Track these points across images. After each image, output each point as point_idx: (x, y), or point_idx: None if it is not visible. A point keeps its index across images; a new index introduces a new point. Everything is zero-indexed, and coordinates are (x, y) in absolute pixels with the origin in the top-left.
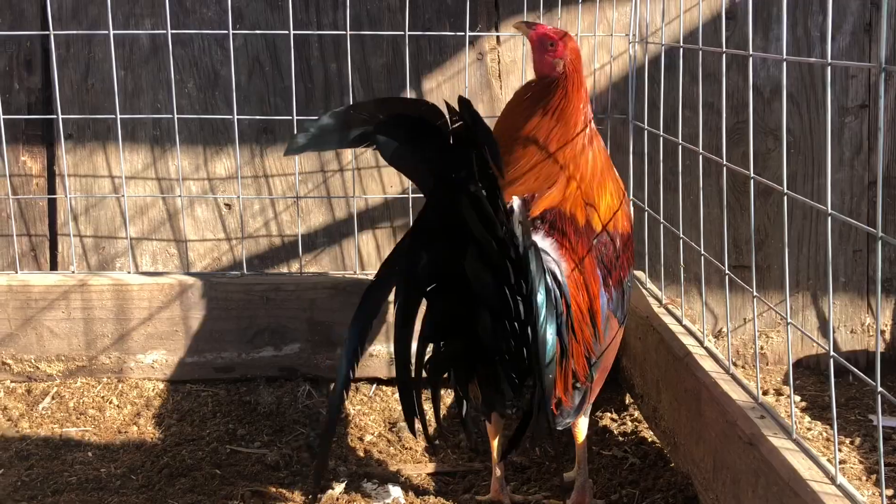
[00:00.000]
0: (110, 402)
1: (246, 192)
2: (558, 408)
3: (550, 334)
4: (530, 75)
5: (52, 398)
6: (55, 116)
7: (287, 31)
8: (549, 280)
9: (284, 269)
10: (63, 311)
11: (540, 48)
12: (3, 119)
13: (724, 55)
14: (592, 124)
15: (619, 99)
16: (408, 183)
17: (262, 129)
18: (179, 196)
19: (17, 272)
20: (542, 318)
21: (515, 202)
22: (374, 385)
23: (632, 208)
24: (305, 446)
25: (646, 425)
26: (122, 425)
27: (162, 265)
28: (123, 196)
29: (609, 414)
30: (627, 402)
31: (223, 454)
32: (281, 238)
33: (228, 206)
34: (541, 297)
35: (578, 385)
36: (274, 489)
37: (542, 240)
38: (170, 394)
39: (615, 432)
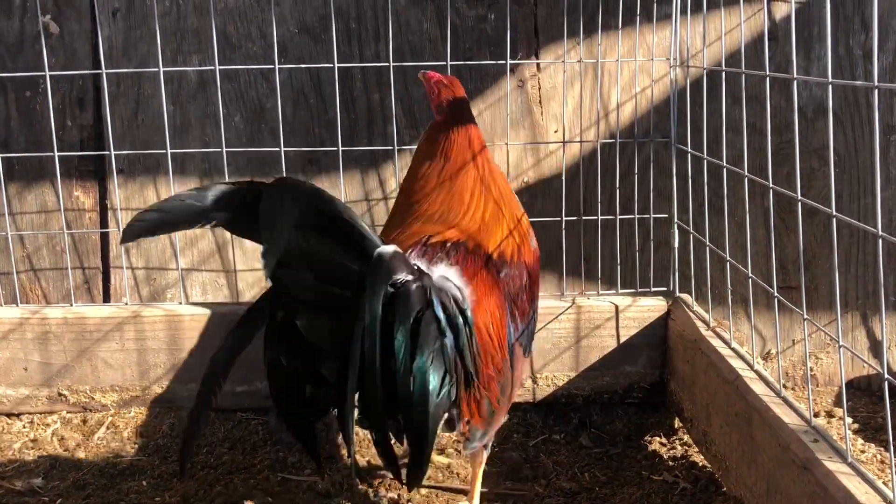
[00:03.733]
0: (162, 431)
1: None
2: (470, 430)
3: (418, 373)
4: (571, 101)
5: (107, 428)
6: (107, 152)
7: (331, 65)
8: (437, 310)
9: None
10: (117, 343)
11: (433, 97)
12: (58, 156)
13: (767, 78)
14: (488, 158)
15: (661, 122)
16: None
17: (308, 160)
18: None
19: (71, 304)
20: (400, 359)
21: (385, 249)
22: None
23: (534, 242)
24: (355, 472)
25: (696, 449)
26: (176, 454)
27: (212, 296)
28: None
29: (658, 438)
30: (676, 426)
31: (274, 482)
32: None
33: None
34: (399, 339)
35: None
36: None
37: (445, 268)
38: (221, 423)
39: (665, 457)
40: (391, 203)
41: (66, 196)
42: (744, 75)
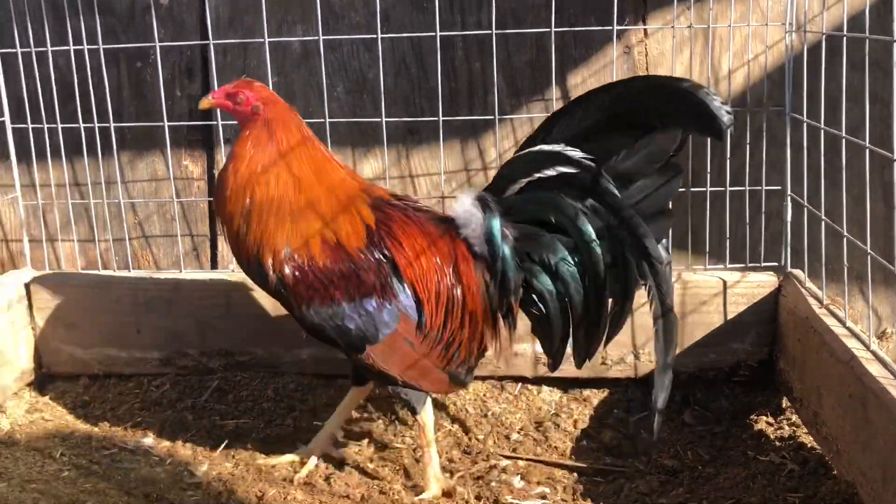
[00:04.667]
0: (267, 396)
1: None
2: None
3: None
4: (679, 68)
5: (214, 391)
6: (214, 122)
7: (433, 33)
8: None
9: None
10: (224, 308)
11: (233, 107)
12: (168, 125)
13: (895, 43)
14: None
15: (774, 90)
16: None
17: (408, 129)
18: None
19: (181, 270)
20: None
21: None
22: (520, 384)
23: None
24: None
25: (804, 430)
26: (277, 417)
27: None
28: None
29: (765, 418)
30: (784, 405)
31: (376, 447)
32: None
33: None
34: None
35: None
36: None
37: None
38: (323, 388)
39: (771, 437)
40: (490, 173)
41: (176, 165)
42: (867, 41)
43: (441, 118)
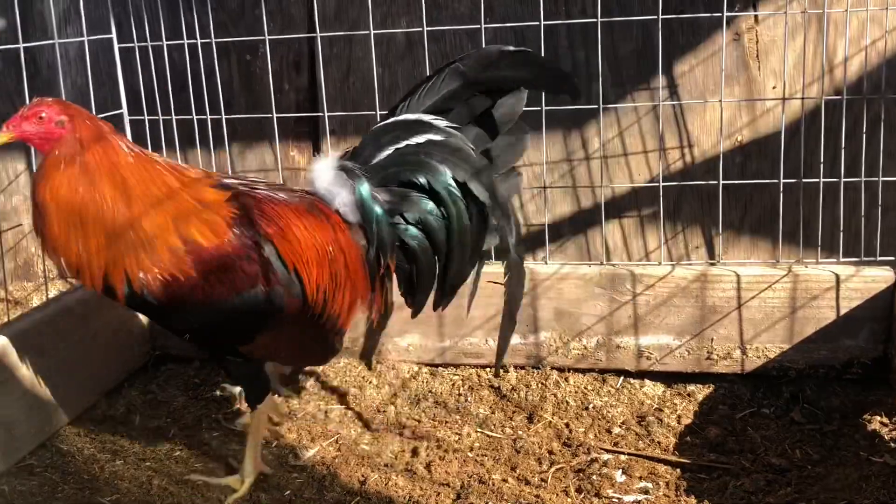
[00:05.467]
0: (370, 382)
1: None
2: None
3: None
4: (792, 56)
5: (318, 377)
6: (321, 114)
7: (537, 23)
8: None
9: (530, 258)
10: None
11: (35, 130)
12: (276, 117)
13: None
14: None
15: (893, 76)
16: (657, 170)
17: None
18: None
19: None
20: None
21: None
22: (622, 377)
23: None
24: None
25: None
26: (381, 405)
27: None
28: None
29: (879, 417)
30: None
31: (477, 436)
32: (526, 227)
33: None
34: None
35: None
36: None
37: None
38: (424, 376)
39: (886, 438)
40: (593, 164)
41: (283, 156)
42: None
43: (544, 108)
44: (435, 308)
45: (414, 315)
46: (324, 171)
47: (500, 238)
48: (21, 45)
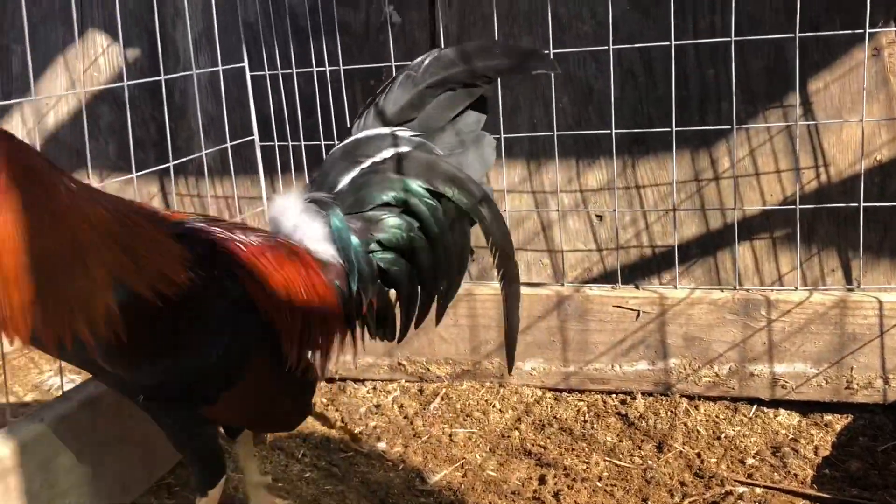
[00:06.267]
0: (493, 406)
1: (617, 203)
2: None
3: None
4: None
5: (441, 399)
6: None
7: (668, 42)
8: None
9: (655, 281)
10: (451, 318)
11: None
12: None
13: None
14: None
15: None
16: (790, 191)
17: (633, 139)
18: (556, 210)
19: None
20: None
21: None
22: (755, 406)
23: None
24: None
25: None
26: (505, 430)
27: (536, 275)
28: (505, 211)
29: None
30: None
31: (605, 465)
32: (652, 249)
33: (600, 217)
34: None
35: None
36: None
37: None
38: (547, 401)
39: None
40: (723, 184)
41: None
42: None
43: (675, 129)
44: (416, 326)
45: (399, 340)
46: (289, 206)
47: (490, 246)
48: (162, 78)
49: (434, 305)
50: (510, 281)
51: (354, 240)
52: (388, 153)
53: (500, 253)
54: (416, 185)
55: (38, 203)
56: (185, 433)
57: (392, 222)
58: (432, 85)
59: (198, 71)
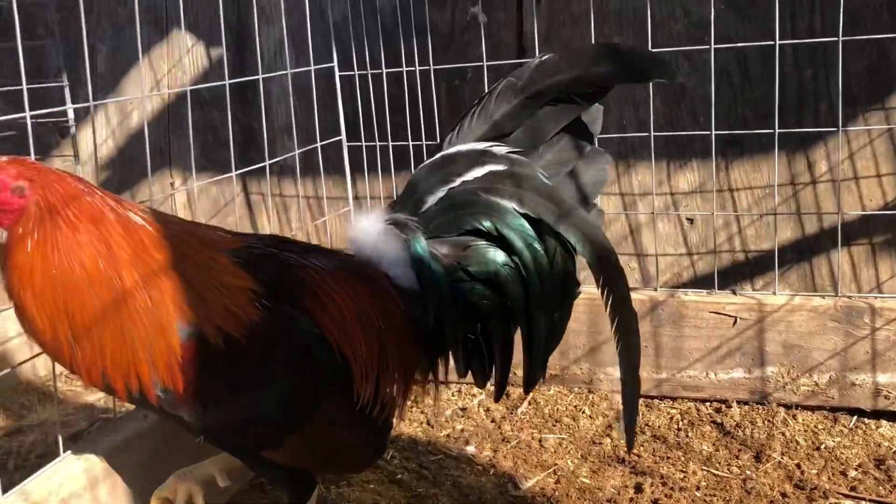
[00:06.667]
0: (583, 412)
1: (708, 206)
2: None
3: None
4: None
5: (529, 404)
6: None
7: (772, 42)
8: None
9: (747, 287)
10: None
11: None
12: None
13: None
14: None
15: None
16: (891, 195)
17: (727, 141)
18: (652, 212)
19: None
20: None
21: None
22: (855, 417)
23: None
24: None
25: None
26: (596, 436)
27: None
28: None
29: None
30: None
31: (703, 474)
32: (745, 254)
33: (691, 220)
34: None
35: None
36: None
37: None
38: (639, 408)
39: None
40: (820, 188)
41: None
42: None
43: (777, 130)
44: (527, 390)
45: (496, 399)
46: (369, 227)
47: (598, 282)
48: (260, 77)
49: (540, 347)
50: (626, 333)
51: (438, 267)
52: (480, 171)
53: (612, 295)
54: (512, 208)
55: (94, 237)
56: (259, 467)
57: (482, 250)
58: (534, 95)
59: (291, 71)
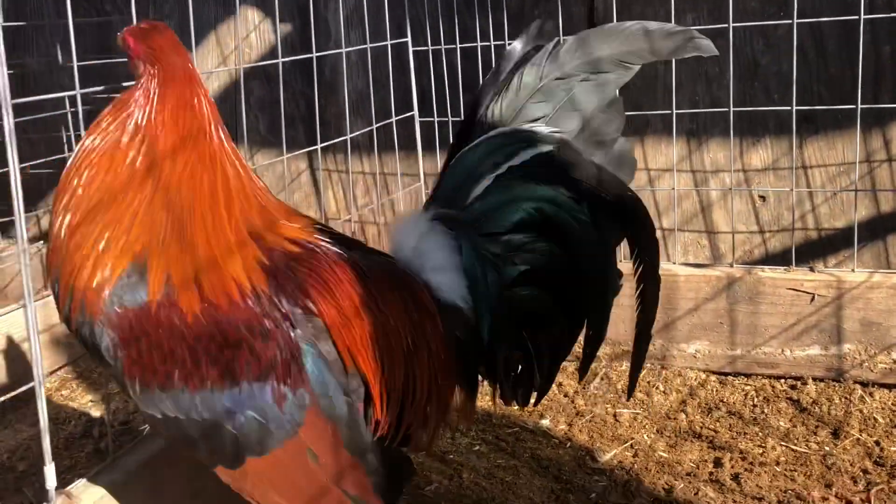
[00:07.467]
0: (656, 388)
1: (782, 183)
2: None
3: None
4: None
5: (602, 379)
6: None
7: (856, 17)
8: None
9: (820, 264)
10: None
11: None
12: None
13: None
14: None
15: None
16: None
17: (803, 117)
18: (730, 188)
19: None
20: None
21: None
22: None
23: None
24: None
25: None
26: (671, 411)
27: (693, 256)
28: (674, 189)
29: None
30: None
31: (782, 450)
32: (818, 232)
33: (763, 198)
34: None
35: None
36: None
37: None
38: (712, 384)
39: None
40: (895, 165)
41: None
42: None
43: (860, 106)
44: (581, 378)
45: (536, 403)
46: (411, 225)
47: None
48: (343, 50)
49: (596, 344)
50: (651, 304)
51: (490, 273)
52: (528, 154)
53: (643, 265)
54: (566, 196)
55: (177, 159)
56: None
57: (538, 247)
58: (568, 74)
59: (371, 45)
